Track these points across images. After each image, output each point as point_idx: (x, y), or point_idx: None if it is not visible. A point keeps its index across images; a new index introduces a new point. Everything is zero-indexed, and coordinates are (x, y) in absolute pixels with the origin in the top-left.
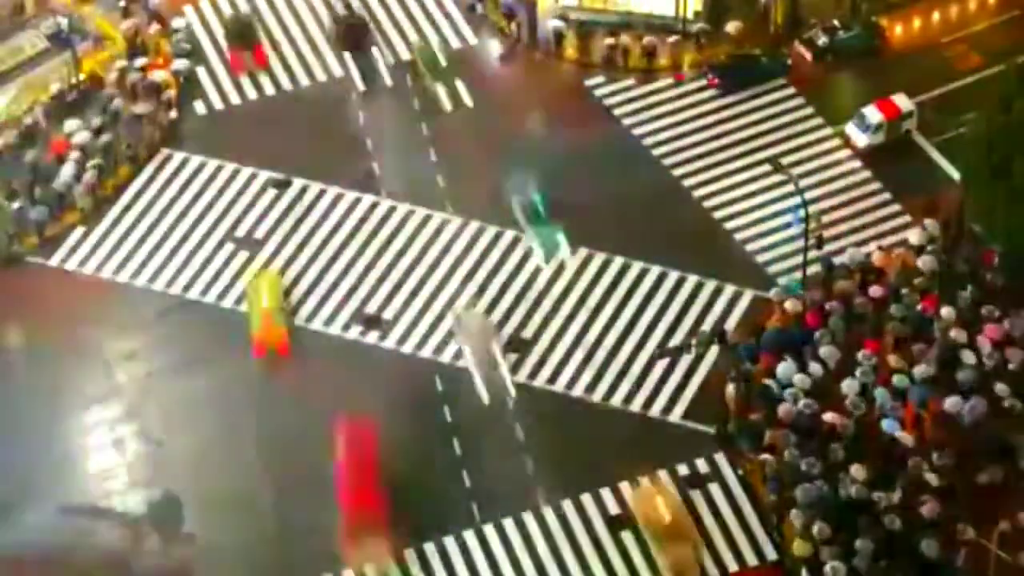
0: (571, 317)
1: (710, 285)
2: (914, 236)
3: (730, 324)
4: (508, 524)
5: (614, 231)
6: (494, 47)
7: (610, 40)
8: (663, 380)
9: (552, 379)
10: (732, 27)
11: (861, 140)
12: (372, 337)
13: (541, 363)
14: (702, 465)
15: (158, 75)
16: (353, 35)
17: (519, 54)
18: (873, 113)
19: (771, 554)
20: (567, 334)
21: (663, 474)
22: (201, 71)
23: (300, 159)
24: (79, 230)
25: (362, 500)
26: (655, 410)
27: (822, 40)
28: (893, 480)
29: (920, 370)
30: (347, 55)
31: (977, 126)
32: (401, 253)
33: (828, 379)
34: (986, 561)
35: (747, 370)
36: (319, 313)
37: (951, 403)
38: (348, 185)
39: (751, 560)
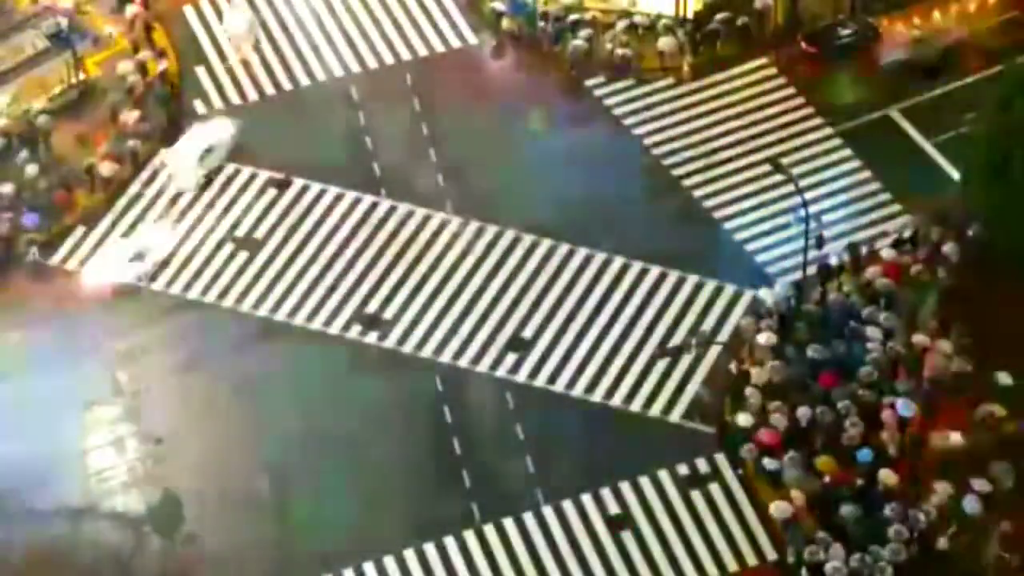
0: (571, 317)
1: (710, 285)
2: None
3: (730, 324)
4: (508, 524)
5: (614, 231)
6: (489, 45)
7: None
8: (663, 380)
9: (552, 379)
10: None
11: None
12: (372, 337)
13: (541, 363)
14: (702, 465)
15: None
16: None
17: (516, 53)
18: None
19: (771, 554)
20: (567, 334)
21: (663, 474)
22: (201, 71)
23: (300, 159)
24: (79, 230)
25: None
26: (655, 410)
27: (836, 38)
28: None
29: None
30: None
31: (977, 126)
32: (401, 253)
33: None
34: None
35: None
36: (319, 313)
37: None
38: (348, 185)
39: (751, 560)
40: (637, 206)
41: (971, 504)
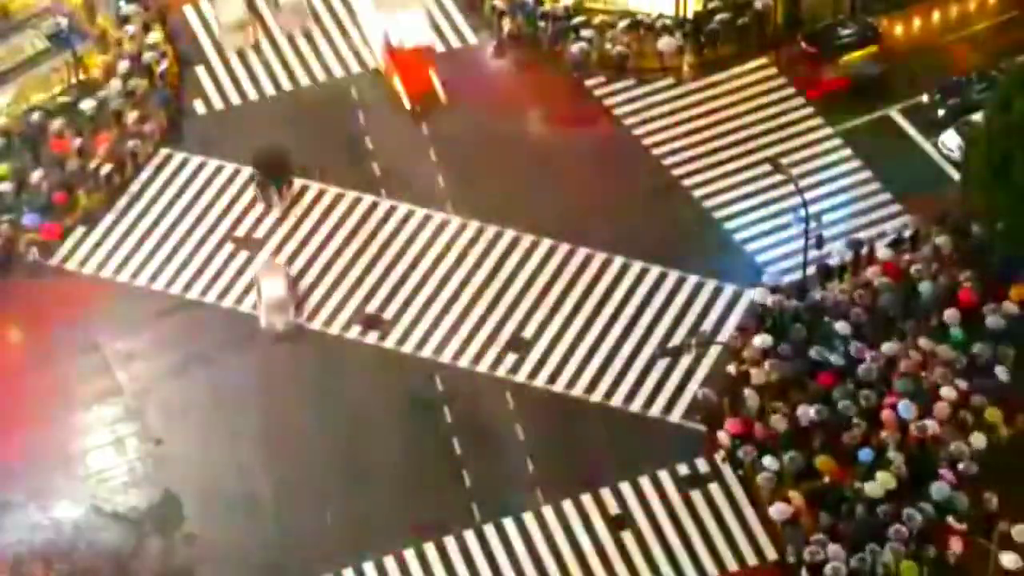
0: (571, 317)
1: (710, 285)
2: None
3: (730, 324)
4: (508, 524)
5: (614, 231)
6: (488, 45)
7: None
8: (663, 380)
9: (552, 379)
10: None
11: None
12: (372, 337)
13: (541, 363)
14: (702, 465)
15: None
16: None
17: (514, 52)
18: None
19: (771, 554)
20: (567, 334)
21: (663, 474)
22: (201, 71)
23: (300, 159)
24: (79, 230)
25: None
26: (655, 410)
27: (836, 38)
28: None
29: None
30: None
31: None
32: (401, 253)
33: None
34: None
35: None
36: (319, 313)
37: None
38: (348, 185)
39: (751, 560)
40: (637, 206)
41: (939, 490)
